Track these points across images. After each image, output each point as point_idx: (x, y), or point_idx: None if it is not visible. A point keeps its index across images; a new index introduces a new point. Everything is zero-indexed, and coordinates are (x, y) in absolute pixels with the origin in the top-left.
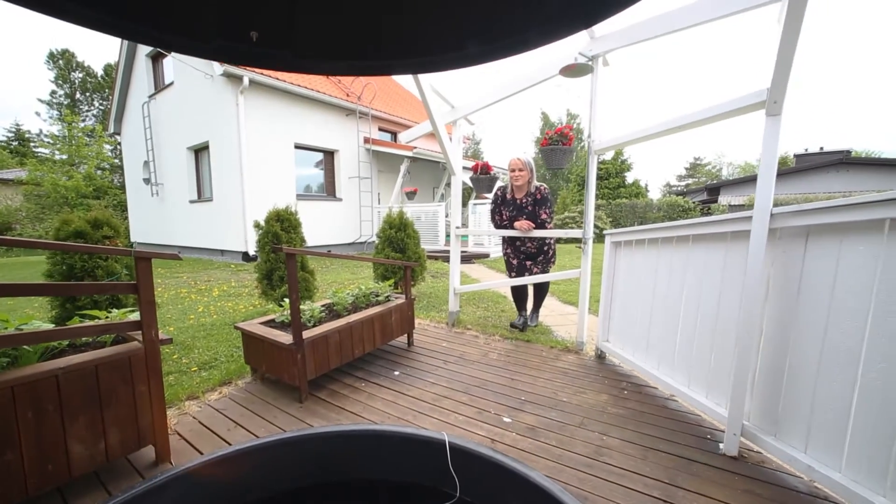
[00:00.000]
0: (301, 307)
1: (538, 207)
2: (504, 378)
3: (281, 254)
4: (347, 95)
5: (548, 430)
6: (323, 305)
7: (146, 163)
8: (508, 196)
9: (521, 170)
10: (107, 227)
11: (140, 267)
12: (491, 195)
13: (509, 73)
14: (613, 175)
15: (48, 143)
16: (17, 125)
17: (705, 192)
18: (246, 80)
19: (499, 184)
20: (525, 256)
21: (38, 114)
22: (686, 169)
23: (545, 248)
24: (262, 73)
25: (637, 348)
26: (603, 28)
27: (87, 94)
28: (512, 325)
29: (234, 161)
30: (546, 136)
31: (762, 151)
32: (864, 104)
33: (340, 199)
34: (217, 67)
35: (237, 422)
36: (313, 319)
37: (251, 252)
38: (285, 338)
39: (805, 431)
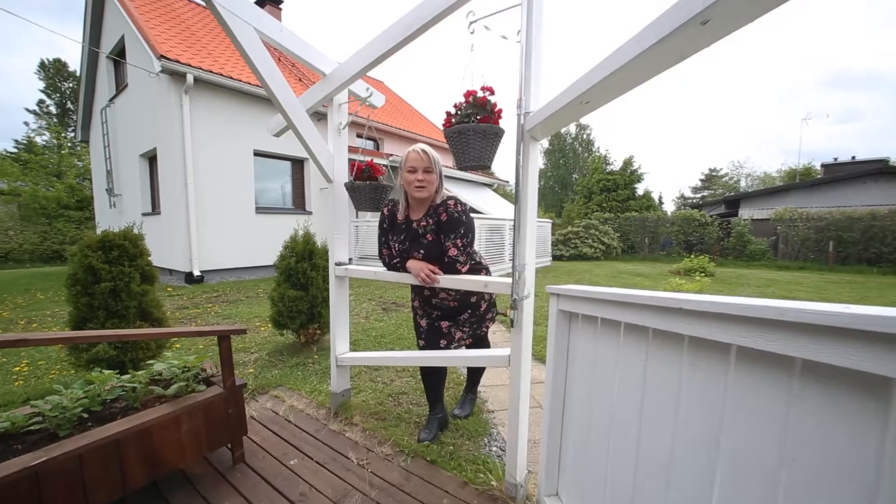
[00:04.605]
0: None
1: (444, 236)
2: None
3: (101, 299)
4: None
5: None
6: (36, 416)
7: (108, 172)
8: (400, 217)
9: (426, 170)
10: None
11: None
12: (379, 214)
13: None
14: (622, 187)
15: (24, 152)
16: (29, 137)
17: (723, 206)
18: (190, 78)
19: (392, 196)
20: (441, 314)
21: (26, 123)
22: (701, 181)
23: (473, 300)
24: (208, 71)
25: None
26: None
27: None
28: (419, 440)
29: (178, 169)
30: (454, 108)
31: None
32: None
33: (311, 213)
34: (156, 63)
35: None
36: None
37: (196, 272)
38: None
39: None
